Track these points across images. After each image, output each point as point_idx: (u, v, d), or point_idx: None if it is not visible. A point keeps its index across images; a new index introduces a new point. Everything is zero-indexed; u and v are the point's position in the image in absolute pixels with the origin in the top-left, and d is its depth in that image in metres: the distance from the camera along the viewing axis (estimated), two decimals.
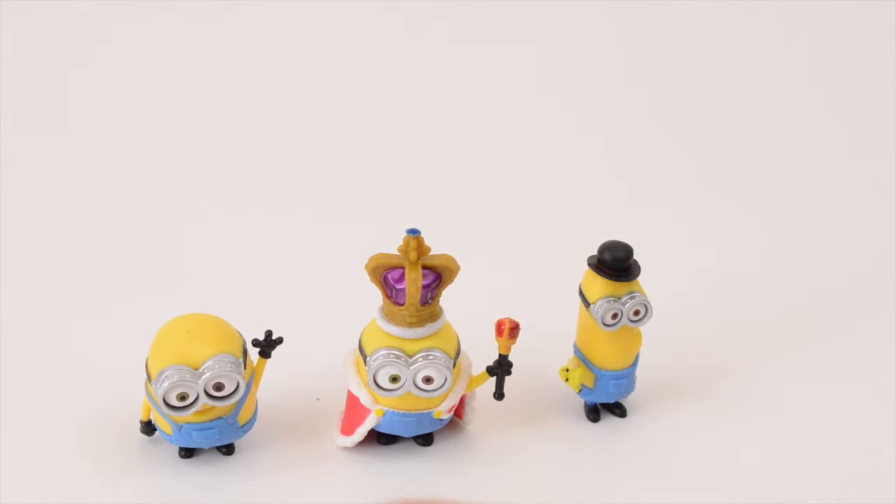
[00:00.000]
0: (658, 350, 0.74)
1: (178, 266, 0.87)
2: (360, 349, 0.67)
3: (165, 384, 0.63)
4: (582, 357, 0.71)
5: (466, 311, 0.70)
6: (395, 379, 0.65)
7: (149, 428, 0.68)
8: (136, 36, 1.13)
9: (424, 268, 0.64)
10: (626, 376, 0.71)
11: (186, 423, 0.65)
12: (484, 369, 0.68)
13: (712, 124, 1.09)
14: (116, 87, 1.10)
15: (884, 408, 0.73)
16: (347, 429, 0.69)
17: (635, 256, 0.68)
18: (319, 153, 1.03)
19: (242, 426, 0.67)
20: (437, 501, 0.29)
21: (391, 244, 0.65)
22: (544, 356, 0.73)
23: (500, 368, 0.68)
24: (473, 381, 0.69)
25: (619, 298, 0.68)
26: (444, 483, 0.66)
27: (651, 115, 1.10)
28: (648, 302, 0.68)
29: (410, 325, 0.65)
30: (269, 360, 0.67)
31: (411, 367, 0.65)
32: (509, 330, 0.67)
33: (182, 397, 0.64)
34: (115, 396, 0.72)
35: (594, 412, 0.72)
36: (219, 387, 0.64)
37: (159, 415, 0.65)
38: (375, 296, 0.67)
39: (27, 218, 0.93)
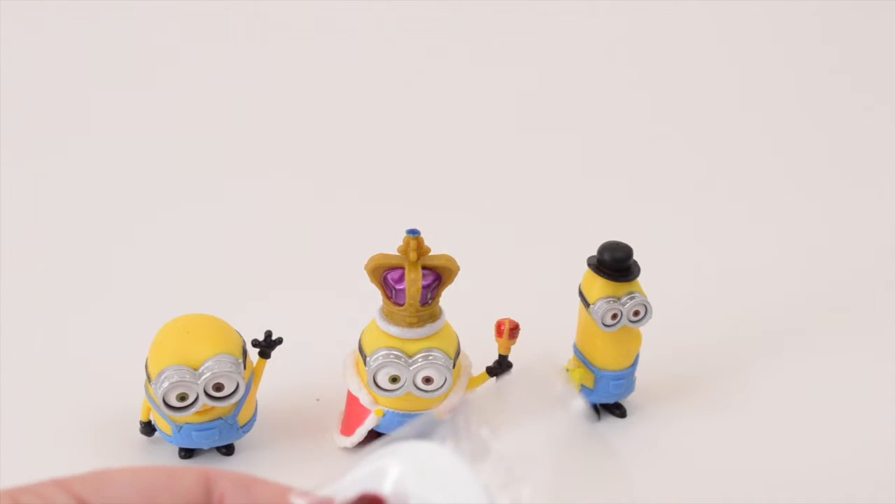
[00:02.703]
0: (658, 350, 0.74)
1: (177, 266, 0.87)
2: (360, 349, 0.67)
3: (165, 384, 0.63)
4: (582, 357, 0.71)
5: (466, 312, 0.70)
6: (394, 379, 0.65)
7: (148, 428, 0.68)
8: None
9: (424, 268, 0.64)
10: (626, 377, 0.71)
11: (186, 423, 0.65)
12: (484, 369, 0.68)
13: (712, 124, 1.09)
14: (116, 85, 1.10)
15: (885, 408, 0.73)
16: (347, 429, 0.69)
17: (635, 257, 0.68)
18: (319, 152, 1.03)
19: (242, 426, 0.67)
20: None
21: (391, 244, 0.65)
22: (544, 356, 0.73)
23: (500, 369, 0.68)
24: (473, 382, 0.69)
25: (619, 299, 0.68)
26: None
27: (651, 115, 1.10)
28: (648, 302, 0.68)
29: (410, 325, 0.65)
30: (268, 361, 0.67)
31: (411, 368, 0.65)
32: (509, 330, 0.67)
33: (182, 398, 0.64)
34: (114, 396, 0.71)
35: (594, 412, 0.72)
36: (218, 387, 0.64)
37: (159, 415, 0.65)
38: (375, 296, 0.67)
39: (26, 217, 0.93)
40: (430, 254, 0.65)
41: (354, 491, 0.32)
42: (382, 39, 1.16)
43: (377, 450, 0.33)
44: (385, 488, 0.32)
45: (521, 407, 0.34)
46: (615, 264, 0.67)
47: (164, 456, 0.68)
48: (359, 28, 1.16)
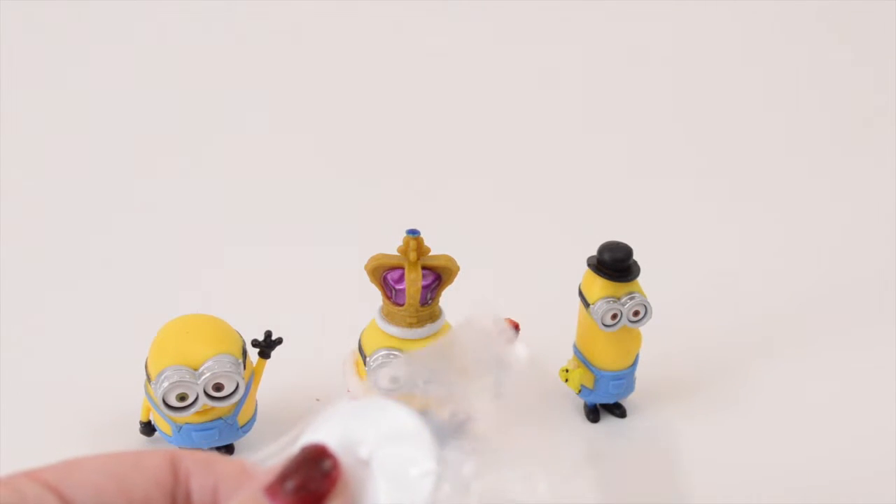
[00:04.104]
0: (658, 350, 0.74)
1: (177, 266, 0.87)
2: (360, 349, 0.67)
3: (165, 384, 0.63)
4: (581, 357, 0.71)
5: (466, 312, 0.69)
6: (395, 380, 0.65)
7: (148, 429, 0.68)
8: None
9: (424, 268, 0.64)
10: (626, 377, 0.71)
11: (186, 423, 0.65)
12: None
13: (713, 124, 1.09)
14: (120, 87, 1.10)
15: (886, 408, 0.74)
16: None
17: (635, 257, 0.68)
18: (319, 152, 1.03)
19: (242, 427, 0.67)
20: None
21: (391, 244, 0.65)
22: (544, 356, 0.73)
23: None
24: None
25: (619, 299, 0.68)
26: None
27: (651, 115, 1.10)
28: (648, 302, 0.68)
29: (410, 325, 0.65)
30: (268, 361, 0.67)
31: None
32: None
33: (182, 398, 0.64)
34: (114, 397, 0.71)
35: (594, 412, 0.72)
36: (218, 387, 0.64)
37: (159, 415, 0.65)
38: (375, 296, 0.66)
39: (26, 218, 0.93)
40: (430, 254, 0.65)
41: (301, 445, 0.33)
42: (385, 33, 1.16)
43: (328, 412, 0.34)
44: (331, 440, 0.33)
45: (467, 360, 0.35)
46: (615, 264, 0.67)
47: None
48: (358, 24, 1.16)
